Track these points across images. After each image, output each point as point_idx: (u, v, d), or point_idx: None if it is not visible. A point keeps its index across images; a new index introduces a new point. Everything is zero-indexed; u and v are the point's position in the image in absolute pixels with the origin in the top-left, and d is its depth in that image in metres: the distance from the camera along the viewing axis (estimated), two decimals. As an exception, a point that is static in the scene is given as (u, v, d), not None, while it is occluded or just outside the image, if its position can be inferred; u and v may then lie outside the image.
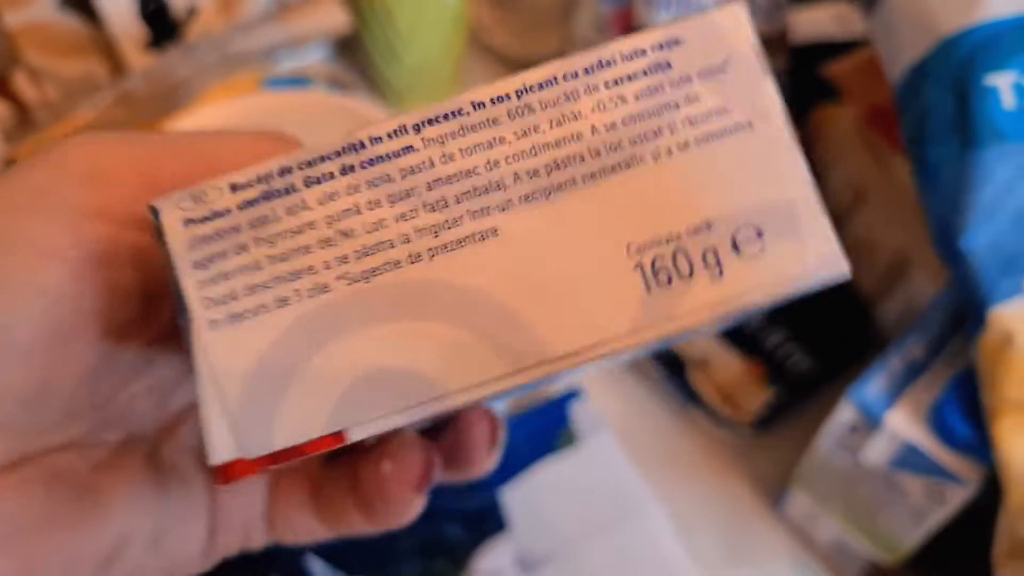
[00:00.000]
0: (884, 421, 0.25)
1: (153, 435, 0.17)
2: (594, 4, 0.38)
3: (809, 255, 0.13)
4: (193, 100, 0.35)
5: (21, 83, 0.38)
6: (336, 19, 0.37)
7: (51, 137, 0.34)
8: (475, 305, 0.13)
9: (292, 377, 0.13)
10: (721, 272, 0.13)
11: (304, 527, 0.18)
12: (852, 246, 0.37)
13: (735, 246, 0.13)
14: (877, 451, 0.26)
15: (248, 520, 0.18)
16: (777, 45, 0.34)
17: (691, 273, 0.13)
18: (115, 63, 0.39)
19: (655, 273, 0.13)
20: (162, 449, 0.17)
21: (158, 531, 0.16)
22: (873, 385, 0.26)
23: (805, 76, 0.36)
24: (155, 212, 0.13)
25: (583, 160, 0.13)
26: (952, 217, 0.25)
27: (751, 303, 0.13)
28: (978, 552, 0.25)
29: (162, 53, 0.37)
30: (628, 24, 0.36)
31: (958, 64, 0.25)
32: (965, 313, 0.26)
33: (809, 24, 0.40)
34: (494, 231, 0.13)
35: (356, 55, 0.43)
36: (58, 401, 0.14)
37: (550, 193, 0.13)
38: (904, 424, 0.25)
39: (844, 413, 0.26)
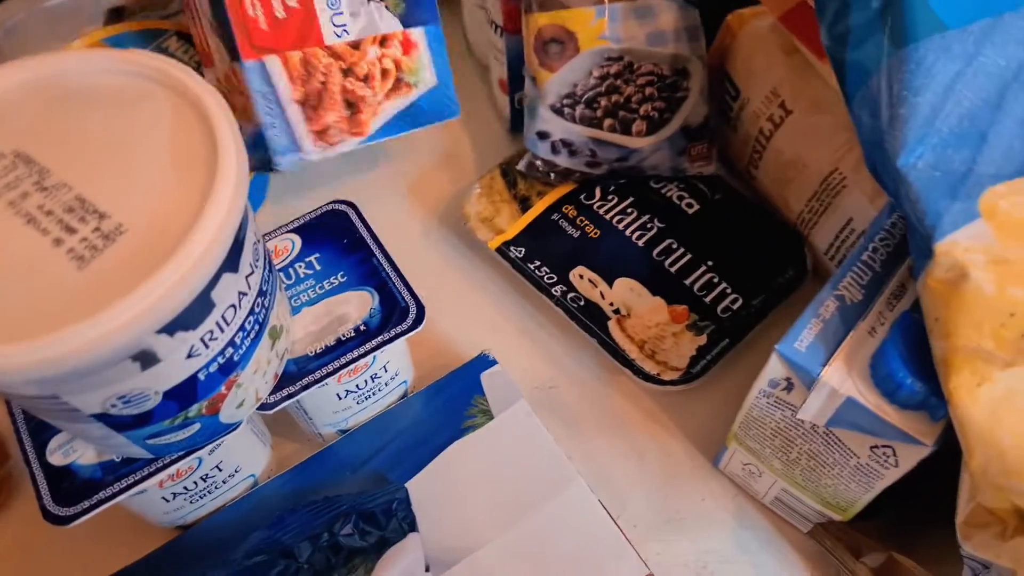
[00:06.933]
0: (819, 377, 0.21)
1: None
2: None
3: None
4: None
5: None
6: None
7: None
8: None
9: None
10: None
11: None
12: (780, 168, 0.33)
13: None
14: (814, 409, 0.22)
15: None
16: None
17: None
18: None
19: None
20: None
21: None
22: (804, 336, 0.22)
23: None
24: None
25: None
26: (886, 132, 0.20)
27: None
28: (942, 498, 0.22)
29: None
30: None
31: (883, -57, 0.21)
32: (907, 244, 0.22)
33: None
34: None
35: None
36: None
37: None
38: (841, 379, 0.21)
39: (773, 369, 0.22)
